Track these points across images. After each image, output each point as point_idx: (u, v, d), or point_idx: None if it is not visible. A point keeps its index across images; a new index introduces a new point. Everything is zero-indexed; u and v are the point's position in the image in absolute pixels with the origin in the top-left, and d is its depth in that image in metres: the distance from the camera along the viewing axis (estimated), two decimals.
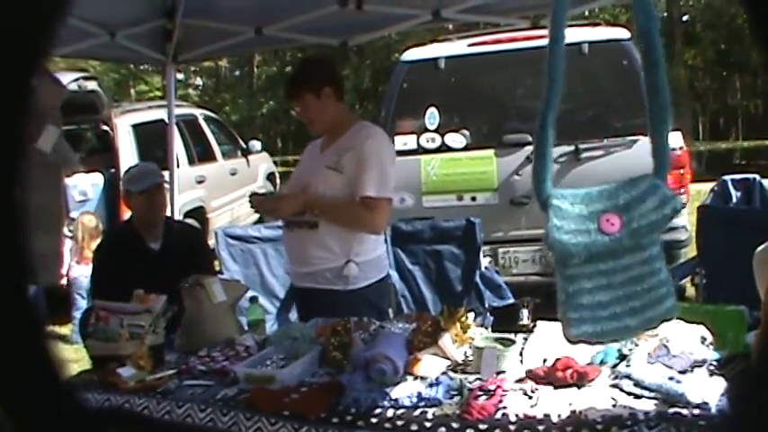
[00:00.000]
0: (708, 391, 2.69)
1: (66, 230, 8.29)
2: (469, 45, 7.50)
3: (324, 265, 4.10)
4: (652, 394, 2.75)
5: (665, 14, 26.44)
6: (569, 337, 2.56)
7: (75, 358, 7.08)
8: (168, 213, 5.33)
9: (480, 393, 2.87)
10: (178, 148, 9.75)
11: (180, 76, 32.27)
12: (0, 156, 0.99)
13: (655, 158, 2.62)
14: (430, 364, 3.21)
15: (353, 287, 4.07)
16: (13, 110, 0.98)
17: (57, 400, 1.05)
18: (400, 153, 7.20)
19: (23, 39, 0.97)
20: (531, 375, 3.05)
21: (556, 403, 2.77)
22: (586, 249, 2.47)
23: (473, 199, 7.08)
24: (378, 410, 2.86)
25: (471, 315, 3.67)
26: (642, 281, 2.52)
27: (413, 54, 7.72)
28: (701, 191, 8.77)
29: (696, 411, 2.59)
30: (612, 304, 2.51)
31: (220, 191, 11.49)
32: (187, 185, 9.99)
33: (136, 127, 9.65)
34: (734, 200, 6.38)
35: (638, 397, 2.76)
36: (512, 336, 3.45)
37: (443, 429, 2.72)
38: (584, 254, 2.47)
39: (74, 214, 8.93)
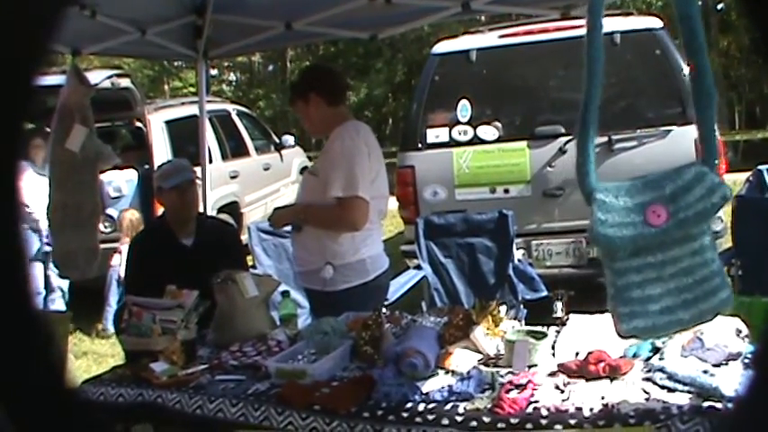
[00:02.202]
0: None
1: (101, 226, 8.38)
2: (500, 37, 7.46)
3: (307, 266, 4.28)
4: (686, 388, 2.71)
5: (700, 3, 26.20)
6: (621, 332, 2.52)
7: (111, 353, 7.17)
8: (201, 209, 5.36)
9: (512, 387, 2.85)
10: (211, 143, 9.79)
11: (213, 71, 32.44)
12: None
13: (702, 145, 2.56)
14: (461, 358, 3.20)
15: (331, 289, 4.18)
16: (13, 110, 0.98)
17: (57, 399, 1.05)
18: (432, 146, 7.21)
19: (23, 39, 0.97)
20: (563, 369, 3.03)
21: (588, 397, 2.75)
22: (633, 242, 2.42)
23: (506, 191, 7.05)
24: (409, 405, 2.86)
25: (503, 308, 3.65)
26: (693, 272, 2.48)
27: (444, 47, 7.69)
28: (736, 181, 8.64)
29: (731, 406, 2.56)
30: (664, 297, 2.46)
31: (254, 186, 11.52)
32: (220, 181, 10.03)
33: (169, 123, 9.69)
34: None
35: (671, 390, 2.73)
36: (544, 329, 3.43)
37: (475, 423, 2.71)
38: (631, 247, 2.43)
39: (109, 211, 9.01)
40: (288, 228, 4.46)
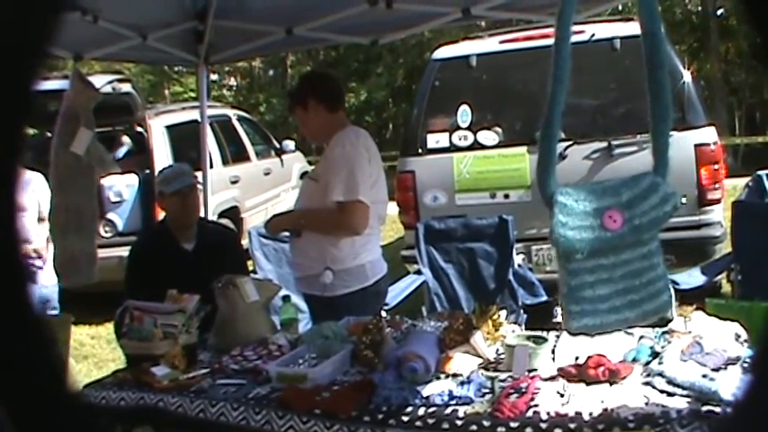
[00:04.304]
0: None
1: (101, 231, 8.39)
2: (501, 42, 7.47)
3: (306, 271, 4.28)
4: (685, 392, 2.73)
5: (700, 9, 26.20)
6: (570, 329, 2.69)
7: (112, 357, 7.17)
8: (202, 214, 5.36)
9: (512, 391, 2.87)
10: (212, 148, 9.81)
11: (214, 77, 32.42)
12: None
13: (655, 157, 2.72)
14: (462, 363, 3.21)
15: (330, 294, 4.18)
16: (13, 114, 0.99)
17: (57, 399, 1.06)
18: (433, 151, 7.22)
19: (21, 40, 0.98)
20: (562, 373, 3.04)
21: (587, 401, 2.76)
22: (590, 245, 2.58)
23: (506, 196, 7.06)
24: (409, 409, 2.87)
25: (503, 313, 3.67)
26: (641, 275, 2.63)
27: (444, 52, 7.71)
28: (736, 186, 8.68)
29: (728, 410, 2.57)
30: (612, 297, 2.62)
31: (254, 191, 11.54)
32: (221, 186, 10.05)
33: (170, 128, 9.70)
34: None
35: (670, 395, 2.74)
36: (544, 333, 3.44)
37: (475, 428, 2.72)
38: (588, 249, 2.57)
39: (110, 215, 9.02)
40: (286, 233, 4.48)
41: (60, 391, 1.07)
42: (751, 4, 0.95)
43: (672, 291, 2.71)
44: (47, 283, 6.03)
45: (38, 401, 1.02)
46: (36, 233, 5.91)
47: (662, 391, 2.78)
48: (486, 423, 2.72)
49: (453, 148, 7.25)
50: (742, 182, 7.08)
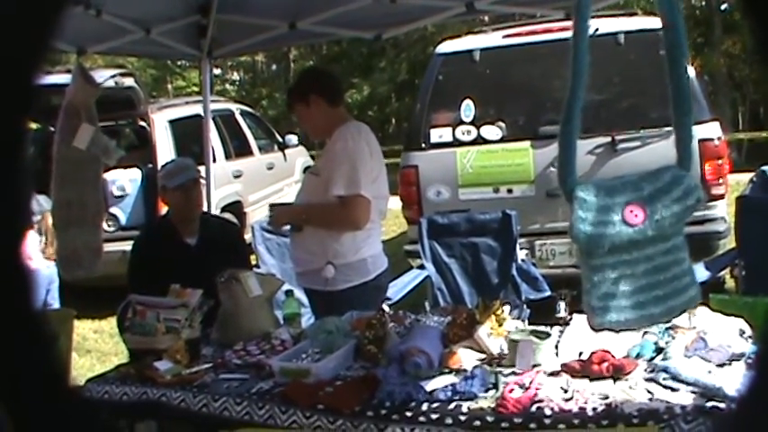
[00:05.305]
0: None
1: (105, 225, 8.38)
2: (504, 37, 7.45)
3: (307, 266, 4.30)
4: (689, 388, 2.72)
5: (704, 3, 26.12)
6: (594, 325, 2.62)
7: (114, 351, 7.18)
8: (205, 208, 5.36)
9: (515, 387, 2.86)
10: (215, 142, 9.80)
11: (217, 71, 32.45)
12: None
13: (678, 149, 2.67)
14: (465, 358, 3.21)
15: (332, 289, 4.20)
16: (14, 109, 0.98)
17: (57, 399, 1.05)
18: (436, 146, 7.21)
19: (23, 35, 0.97)
20: (566, 368, 3.03)
21: (591, 396, 2.76)
22: (610, 240, 2.51)
23: (509, 191, 7.04)
24: (412, 404, 2.86)
25: (507, 308, 3.66)
26: (666, 270, 2.57)
27: (448, 46, 7.69)
28: (740, 181, 8.66)
29: (731, 406, 2.56)
30: (636, 293, 2.55)
31: (257, 185, 11.53)
32: (224, 180, 10.03)
33: (173, 122, 9.70)
34: None
35: (674, 390, 2.74)
36: (547, 329, 3.44)
37: (478, 423, 2.71)
38: (609, 245, 2.51)
39: (113, 210, 9.02)
40: (288, 227, 4.48)
41: (60, 390, 1.07)
42: (751, 3, 0.95)
43: (698, 286, 2.66)
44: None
45: (37, 401, 1.01)
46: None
47: (666, 387, 2.77)
48: (489, 418, 2.72)
49: (457, 143, 7.23)
50: (746, 177, 7.07)
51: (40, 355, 1.03)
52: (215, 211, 7.68)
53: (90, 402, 3.08)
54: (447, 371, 3.13)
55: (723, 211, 6.79)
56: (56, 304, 7.61)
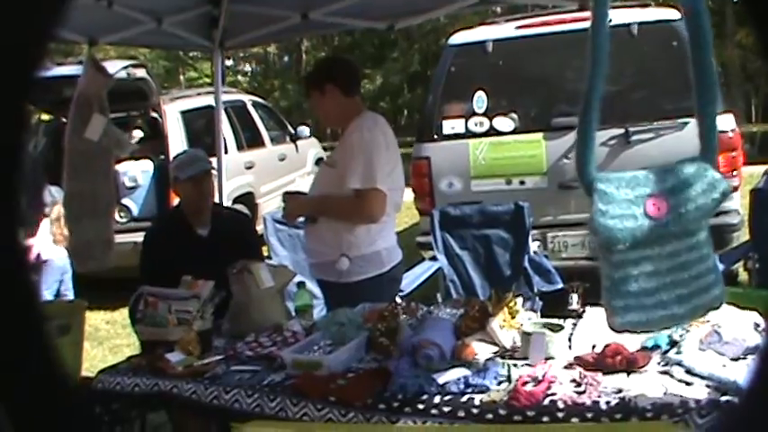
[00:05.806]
0: None
1: (117, 216, 8.40)
2: (517, 28, 7.42)
3: (321, 258, 4.28)
4: (704, 382, 2.70)
5: None
6: (614, 326, 2.53)
7: (126, 343, 7.19)
8: (216, 200, 5.36)
9: (528, 380, 2.84)
10: (227, 134, 9.81)
11: (229, 62, 32.48)
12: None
13: (702, 141, 2.55)
14: (477, 350, 3.19)
15: (346, 281, 4.17)
16: (15, 101, 0.97)
17: (57, 399, 1.04)
18: (448, 137, 7.19)
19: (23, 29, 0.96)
20: (579, 361, 3.02)
21: (605, 390, 2.74)
22: (632, 234, 2.42)
23: (522, 183, 7.02)
24: (424, 397, 2.85)
25: (520, 300, 3.64)
26: (689, 267, 2.47)
27: (460, 37, 7.66)
28: (753, 174, 8.61)
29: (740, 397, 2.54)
30: (659, 291, 2.46)
31: (269, 176, 11.54)
32: (236, 171, 10.04)
33: (185, 113, 9.72)
34: None
35: (689, 384, 2.71)
36: (560, 321, 3.42)
37: (491, 416, 2.70)
38: (630, 239, 2.42)
39: (125, 201, 9.04)
40: (301, 219, 4.47)
41: (59, 390, 1.06)
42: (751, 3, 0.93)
43: (723, 285, 2.56)
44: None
45: (37, 401, 1.00)
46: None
47: (680, 381, 2.75)
48: (502, 411, 2.70)
49: (469, 135, 7.21)
50: (760, 169, 7.03)
51: (39, 355, 1.02)
52: (227, 202, 7.68)
53: (90, 402, 3.10)
54: (459, 363, 3.11)
55: (737, 203, 6.75)
56: (70, 294, 7.64)
